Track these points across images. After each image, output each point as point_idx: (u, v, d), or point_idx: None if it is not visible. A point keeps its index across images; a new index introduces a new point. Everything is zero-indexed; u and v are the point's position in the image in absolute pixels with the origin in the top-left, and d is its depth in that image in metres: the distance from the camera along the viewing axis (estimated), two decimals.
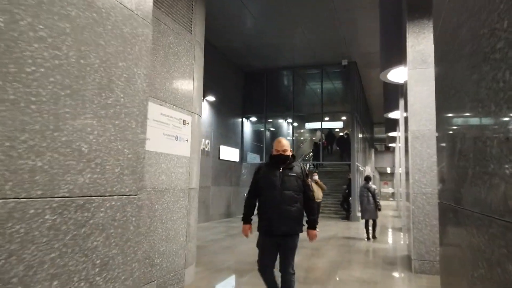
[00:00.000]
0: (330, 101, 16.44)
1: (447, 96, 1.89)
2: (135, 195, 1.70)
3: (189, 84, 4.69)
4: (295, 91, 15.80)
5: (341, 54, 13.61)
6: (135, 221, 1.70)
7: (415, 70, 5.94)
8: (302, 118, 17.88)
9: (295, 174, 3.41)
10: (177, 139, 4.39)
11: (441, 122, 2.18)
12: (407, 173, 7.02)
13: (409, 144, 5.88)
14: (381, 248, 8.29)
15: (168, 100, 4.24)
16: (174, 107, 4.36)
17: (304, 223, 3.51)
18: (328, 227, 11.68)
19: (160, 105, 4.07)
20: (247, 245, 8.05)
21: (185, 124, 4.58)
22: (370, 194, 9.24)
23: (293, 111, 15.50)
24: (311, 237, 3.66)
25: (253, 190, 3.57)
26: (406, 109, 6.99)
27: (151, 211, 3.87)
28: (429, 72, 5.86)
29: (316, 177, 10.56)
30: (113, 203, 1.57)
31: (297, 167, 3.47)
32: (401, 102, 11.30)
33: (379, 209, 9.27)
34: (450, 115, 1.88)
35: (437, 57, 2.29)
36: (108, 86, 1.57)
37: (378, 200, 9.25)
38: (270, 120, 17.67)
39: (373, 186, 9.41)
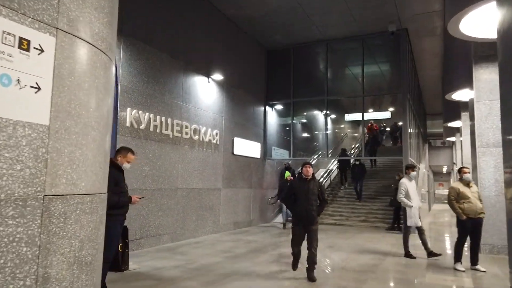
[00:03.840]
0: (374, 84, 13.31)
1: None
2: None
3: None
4: (329, 71, 12.85)
5: (388, 17, 10.54)
6: None
7: None
8: (338, 106, 14.85)
9: None
10: None
11: None
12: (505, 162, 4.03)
13: None
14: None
15: None
16: None
17: None
18: (372, 243, 8.68)
19: None
20: (247, 280, 5.32)
21: (28, 50, 2.00)
22: None
23: (326, 95, 12.54)
24: None
25: None
26: (502, 67, 3.99)
27: None
28: None
29: (468, 175, 6.29)
30: None
31: None
32: (477, 73, 8.13)
33: None
34: None
35: None
36: None
37: None
38: (305, 114, 14.84)
39: None
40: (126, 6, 7.27)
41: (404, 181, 7.29)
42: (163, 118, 8.08)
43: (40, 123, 2.06)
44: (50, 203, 2.11)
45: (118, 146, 4.84)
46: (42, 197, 2.06)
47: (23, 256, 1.97)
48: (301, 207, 5.39)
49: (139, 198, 4.20)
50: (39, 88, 2.06)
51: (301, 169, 5.56)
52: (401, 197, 7.16)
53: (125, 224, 6.65)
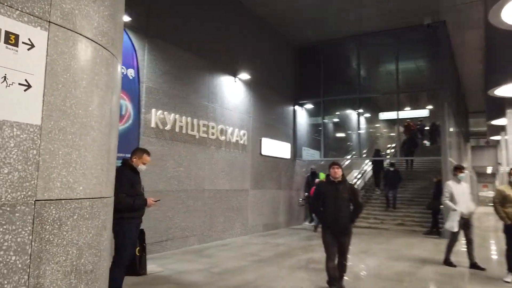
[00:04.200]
0: (410, 80, 12.68)
1: None
2: None
3: None
4: (361, 67, 12.35)
5: (424, 8, 9.94)
6: None
7: None
8: (371, 104, 14.29)
9: None
10: None
11: None
12: None
13: None
14: None
15: None
16: None
17: None
18: (408, 249, 8.18)
19: None
20: None
21: (16, 45, 1.87)
22: None
23: (358, 93, 12.05)
24: None
25: None
26: None
27: None
28: None
29: None
30: None
31: None
32: None
33: None
34: None
35: None
36: None
37: None
38: (337, 113, 14.35)
39: None
40: (151, 6, 7.24)
41: (450, 183, 6.61)
42: (188, 119, 7.99)
43: (31, 123, 1.93)
44: (42, 208, 1.97)
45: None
46: (33, 202, 1.93)
47: (12, 265, 1.84)
48: (329, 213, 4.71)
49: (155, 201, 4.06)
50: (29, 86, 1.93)
51: (328, 170, 4.84)
52: (445, 200, 6.56)
53: (143, 227, 6.61)
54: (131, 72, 5.91)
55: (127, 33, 6.01)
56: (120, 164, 4.00)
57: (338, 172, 4.71)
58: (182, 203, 7.76)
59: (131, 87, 5.88)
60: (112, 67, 2.53)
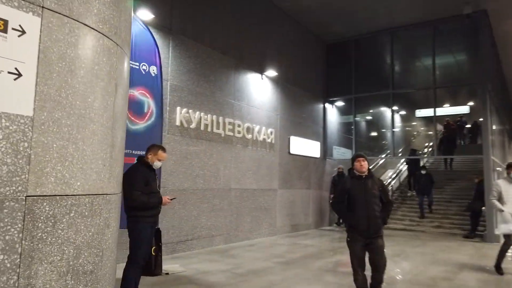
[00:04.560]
0: (448, 74, 11.98)
1: None
2: None
3: None
4: (395, 62, 11.80)
5: None
6: None
7: None
8: (407, 101, 13.62)
9: None
10: None
11: None
12: None
13: None
14: None
15: None
16: None
17: None
18: (446, 253, 7.64)
19: None
20: None
21: (5, 31, 1.77)
22: None
23: (392, 88, 11.51)
24: None
25: None
26: None
27: None
28: None
29: None
30: None
31: None
32: None
33: None
34: None
35: None
36: None
37: None
38: (371, 110, 13.82)
39: None
40: (175, 3, 7.18)
41: (500, 182, 6.06)
42: (214, 117, 7.88)
43: (21, 114, 1.82)
44: (34, 204, 1.86)
45: (164, 146, 4.63)
46: (23, 197, 1.82)
47: (0, 265, 1.74)
48: (359, 214, 3.97)
49: (170, 199, 3.94)
50: (19, 75, 1.82)
51: (352, 164, 4.17)
52: (492, 199, 5.99)
53: (168, 226, 6.53)
54: (153, 69, 5.84)
55: (149, 30, 5.96)
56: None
57: (364, 165, 4.07)
58: (208, 202, 7.66)
59: (153, 85, 5.81)
60: (116, 57, 2.40)
